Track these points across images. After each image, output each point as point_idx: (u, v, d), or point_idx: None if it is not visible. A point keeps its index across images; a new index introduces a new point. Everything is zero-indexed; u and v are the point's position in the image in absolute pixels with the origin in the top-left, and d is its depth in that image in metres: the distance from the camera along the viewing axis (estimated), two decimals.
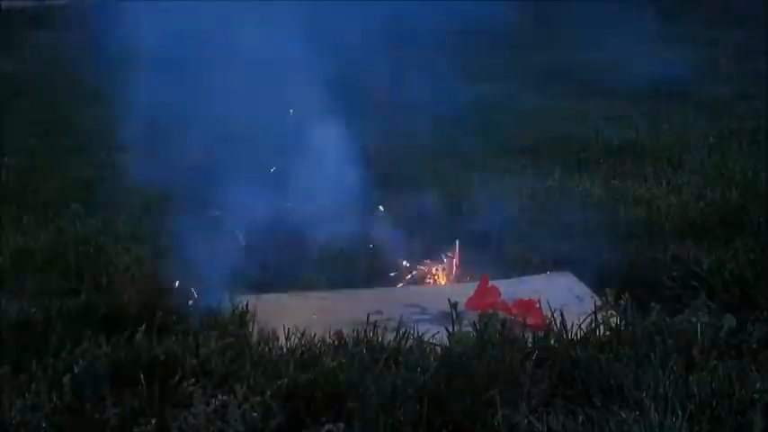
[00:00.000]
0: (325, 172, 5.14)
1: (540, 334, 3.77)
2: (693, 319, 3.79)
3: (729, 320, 3.80)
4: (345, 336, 3.82)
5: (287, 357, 3.64)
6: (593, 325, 3.86)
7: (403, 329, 3.82)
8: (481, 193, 5.81)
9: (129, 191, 5.85)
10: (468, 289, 4.43)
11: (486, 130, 7.73)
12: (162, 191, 5.55)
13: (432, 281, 4.91)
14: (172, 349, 3.64)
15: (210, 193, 5.00)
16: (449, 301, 4.03)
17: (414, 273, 4.92)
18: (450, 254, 4.94)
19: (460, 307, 4.06)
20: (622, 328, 3.83)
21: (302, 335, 3.80)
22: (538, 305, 4.13)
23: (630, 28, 10.34)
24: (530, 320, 3.93)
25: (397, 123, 7.39)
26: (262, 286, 4.55)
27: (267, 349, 3.74)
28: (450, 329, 3.83)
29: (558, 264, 4.89)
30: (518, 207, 5.62)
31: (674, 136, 7.49)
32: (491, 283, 4.46)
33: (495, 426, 3.18)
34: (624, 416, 3.14)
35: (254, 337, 3.85)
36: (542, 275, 4.82)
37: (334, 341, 3.79)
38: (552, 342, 3.71)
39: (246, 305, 4.15)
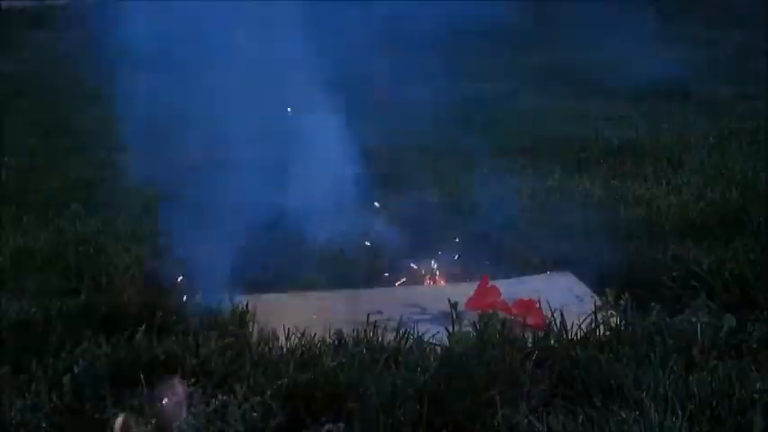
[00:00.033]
0: (323, 171, 5.13)
1: (540, 334, 3.77)
2: (693, 319, 3.79)
3: (729, 320, 3.80)
4: (345, 336, 3.82)
5: (287, 357, 3.64)
6: (593, 325, 3.86)
7: (403, 329, 3.81)
8: (481, 193, 5.80)
9: (129, 191, 5.85)
10: (468, 289, 4.43)
11: (486, 130, 7.73)
12: (161, 191, 5.54)
13: (431, 281, 4.91)
14: (172, 349, 3.65)
15: (210, 192, 4.99)
16: (449, 301, 4.03)
17: (413, 273, 4.92)
18: (453, 255, 4.95)
19: (460, 307, 4.06)
20: (622, 328, 3.83)
21: (302, 335, 3.80)
22: (538, 305, 4.13)
23: (630, 28, 10.34)
24: (530, 320, 3.93)
25: (395, 123, 7.39)
26: (262, 286, 4.55)
27: (267, 349, 3.74)
28: (450, 329, 3.83)
29: (558, 264, 4.89)
30: (518, 207, 5.61)
31: (674, 136, 7.49)
32: (491, 283, 4.45)
33: (495, 426, 3.18)
34: (624, 416, 3.14)
35: (254, 337, 3.85)
36: (542, 275, 4.82)
37: (334, 341, 3.79)
38: (552, 342, 3.71)
39: (246, 305, 4.15)
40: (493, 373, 3.41)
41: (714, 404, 3.24)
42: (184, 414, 3.22)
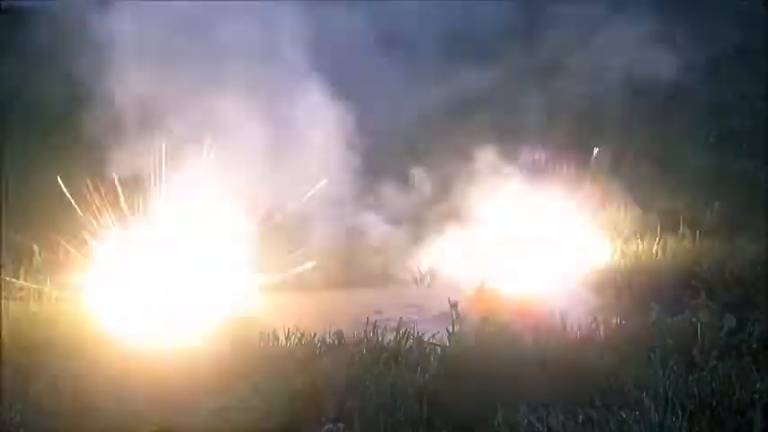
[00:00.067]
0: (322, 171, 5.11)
1: (540, 334, 3.77)
2: (693, 319, 3.79)
3: (729, 320, 3.81)
4: (345, 336, 3.82)
5: (287, 357, 3.65)
6: (594, 325, 3.87)
7: (403, 329, 3.82)
8: None
9: None
10: (468, 289, 4.43)
11: None
12: None
13: (431, 281, 4.92)
14: None
15: None
16: (449, 301, 4.03)
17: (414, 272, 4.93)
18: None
19: (460, 307, 4.06)
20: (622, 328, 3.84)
21: (302, 335, 3.81)
22: (538, 305, 4.14)
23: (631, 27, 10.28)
24: (530, 320, 3.94)
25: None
26: (261, 286, 4.55)
27: (267, 349, 3.74)
28: (450, 329, 3.84)
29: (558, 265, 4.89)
30: None
31: (674, 136, 7.47)
32: (491, 284, 4.46)
33: (495, 426, 3.18)
34: (624, 416, 3.14)
35: (254, 337, 3.85)
36: (542, 276, 4.82)
37: (334, 341, 3.80)
38: (552, 342, 3.71)
39: (246, 305, 4.15)
40: (493, 373, 3.41)
41: (714, 404, 3.24)
42: None
